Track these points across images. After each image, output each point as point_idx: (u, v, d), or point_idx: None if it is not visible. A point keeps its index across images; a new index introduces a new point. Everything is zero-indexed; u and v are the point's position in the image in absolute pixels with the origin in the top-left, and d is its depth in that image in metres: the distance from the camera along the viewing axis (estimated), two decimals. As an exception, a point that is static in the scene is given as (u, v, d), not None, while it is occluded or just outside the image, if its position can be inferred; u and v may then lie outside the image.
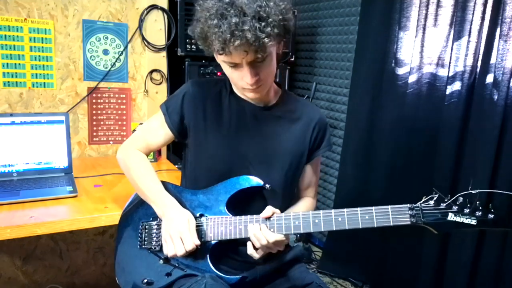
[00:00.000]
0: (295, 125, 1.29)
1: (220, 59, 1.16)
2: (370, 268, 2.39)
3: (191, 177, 1.31)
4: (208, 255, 1.18)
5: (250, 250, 1.15)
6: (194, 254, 1.18)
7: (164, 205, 1.21)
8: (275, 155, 1.25)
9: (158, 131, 1.31)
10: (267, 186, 1.20)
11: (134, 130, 2.21)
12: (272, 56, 1.15)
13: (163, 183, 1.30)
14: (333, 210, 1.09)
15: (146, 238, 1.26)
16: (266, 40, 1.06)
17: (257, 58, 1.10)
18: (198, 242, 1.14)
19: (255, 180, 1.19)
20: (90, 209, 1.45)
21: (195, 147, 1.28)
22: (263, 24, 1.05)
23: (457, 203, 1.02)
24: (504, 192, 1.00)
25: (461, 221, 1.01)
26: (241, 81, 1.16)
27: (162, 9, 2.20)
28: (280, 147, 1.25)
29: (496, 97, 1.78)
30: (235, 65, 1.13)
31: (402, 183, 2.17)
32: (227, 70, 1.18)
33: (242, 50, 1.07)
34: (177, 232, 1.14)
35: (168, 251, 1.16)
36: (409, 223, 1.04)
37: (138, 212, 1.28)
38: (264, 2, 1.06)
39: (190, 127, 1.27)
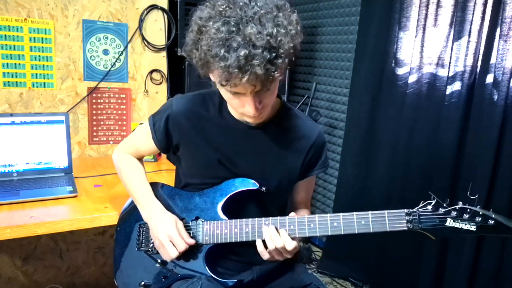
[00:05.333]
0: (288, 146, 1.22)
1: (220, 85, 1.05)
2: (370, 268, 2.39)
3: (182, 185, 1.31)
4: (204, 258, 1.17)
5: (260, 248, 1.11)
6: (190, 257, 1.18)
7: (150, 208, 1.21)
8: (265, 175, 1.20)
9: (146, 142, 1.29)
10: (263, 188, 1.18)
11: (134, 130, 2.21)
12: (277, 81, 1.06)
13: (161, 184, 1.31)
14: (328, 215, 1.07)
15: (143, 241, 1.26)
16: (276, 74, 0.96)
17: (263, 89, 1.01)
18: (191, 241, 1.13)
19: (251, 183, 1.18)
20: (90, 209, 1.45)
21: (185, 162, 1.27)
22: (273, 55, 0.94)
23: (456, 208, 0.99)
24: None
25: (460, 227, 0.98)
26: (242, 108, 1.08)
27: (162, 9, 2.20)
28: (271, 168, 1.21)
29: (496, 97, 1.78)
30: (235, 93, 1.04)
31: (402, 183, 2.17)
32: (225, 95, 1.08)
33: (249, 84, 0.97)
34: (166, 235, 1.13)
35: (164, 256, 1.16)
36: (405, 229, 1.01)
37: (136, 214, 1.28)
38: (275, 30, 0.94)
39: (179, 145, 1.25)
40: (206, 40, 0.96)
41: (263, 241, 1.11)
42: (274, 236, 1.08)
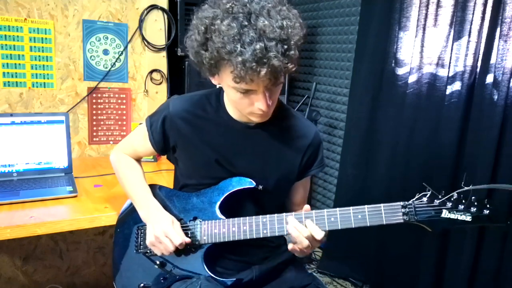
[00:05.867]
0: (286, 146, 1.22)
1: (230, 85, 1.03)
2: (370, 268, 2.39)
3: (180, 186, 1.31)
4: (202, 258, 1.17)
5: (291, 246, 1.11)
6: (189, 257, 1.18)
7: (148, 208, 1.21)
8: (264, 174, 1.20)
9: (143, 143, 1.30)
10: (260, 187, 1.18)
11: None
12: (285, 75, 1.06)
13: (158, 186, 1.31)
14: (325, 210, 1.08)
15: (141, 243, 1.26)
16: (290, 66, 0.97)
17: (276, 83, 1.01)
18: (187, 239, 1.13)
19: (247, 181, 1.18)
20: (90, 209, 1.46)
21: (183, 162, 1.27)
22: (285, 47, 0.95)
23: (452, 199, 1.00)
24: (498, 186, 0.97)
25: (456, 217, 0.99)
26: (250, 107, 1.06)
27: (162, 9, 2.20)
28: (270, 167, 1.21)
29: (496, 97, 1.77)
30: (246, 91, 1.02)
31: (402, 183, 2.17)
32: (234, 95, 1.06)
33: (265, 78, 0.97)
34: (162, 232, 1.13)
35: (158, 251, 1.16)
36: (402, 221, 1.02)
37: (134, 216, 1.28)
38: (284, 22, 0.96)
39: (176, 146, 1.25)
40: (217, 37, 0.96)
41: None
42: (300, 227, 1.06)
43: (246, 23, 0.94)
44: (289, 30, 0.96)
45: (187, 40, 1.07)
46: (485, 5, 1.80)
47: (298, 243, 1.07)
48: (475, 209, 0.98)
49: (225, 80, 1.05)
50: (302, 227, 1.06)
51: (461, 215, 0.99)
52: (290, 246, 1.12)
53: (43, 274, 2.10)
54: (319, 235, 1.05)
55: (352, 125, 2.46)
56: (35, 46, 1.98)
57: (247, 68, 0.93)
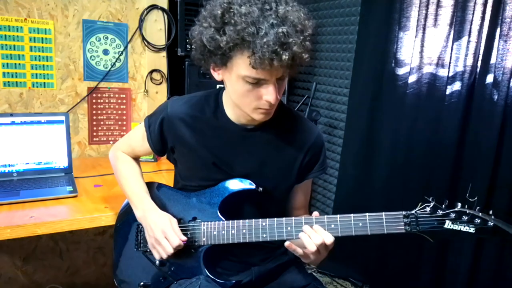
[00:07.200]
0: (286, 147, 1.20)
1: (241, 74, 1.00)
2: (370, 268, 2.39)
3: (179, 187, 1.31)
4: (202, 259, 1.17)
5: (300, 252, 1.07)
6: (188, 258, 1.18)
7: (144, 208, 1.21)
8: (262, 176, 1.19)
9: (142, 143, 1.30)
10: (260, 189, 1.18)
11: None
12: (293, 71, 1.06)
13: (157, 184, 1.30)
14: (326, 216, 1.06)
15: (141, 241, 1.26)
16: (305, 56, 0.98)
17: (289, 73, 1.02)
18: (184, 238, 1.13)
19: (247, 182, 1.17)
20: (90, 209, 1.46)
21: (181, 164, 1.27)
22: (301, 37, 0.96)
23: (455, 210, 0.97)
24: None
25: (459, 229, 0.96)
26: (258, 101, 1.04)
27: (162, 9, 2.20)
28: (268, 169, 1.20)
29: (496, 97, 1.77)
30: (257, 82, 1.01)
31: (402, 183, 2.17)
32: (241, 88, 1.03)
33: (283, 64, 0.95)
34: (161, 232, 1.13)
35: (157, 255, 1.16)
36: (403, 231, 1.00)
37: (134, 214, 1.28)
38: (301, 14, 0.98)
39: (174, 148, 1.25)
40: (239, 19, 0.95)
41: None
42: (313, 234, 1.04)
43: (268, 7, 0.95)
44: (305, 22, 0.99)
45: (196, 28, 1.05)
46: (485, 5, 1.79)
47: (308, 249, 1.04)
48: (479, 220, 0.95)
49: (235, 70, 1.02)
50: (315, 234, 1.04)
51: (464, 226, 0.96)
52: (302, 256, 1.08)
53: (43, 274, 2.10)
54: (329, 239, 1.03)
55: (352, 125, 2.46)
56: (35, 46, 1.98)
57: (270, 50, 0.92)
